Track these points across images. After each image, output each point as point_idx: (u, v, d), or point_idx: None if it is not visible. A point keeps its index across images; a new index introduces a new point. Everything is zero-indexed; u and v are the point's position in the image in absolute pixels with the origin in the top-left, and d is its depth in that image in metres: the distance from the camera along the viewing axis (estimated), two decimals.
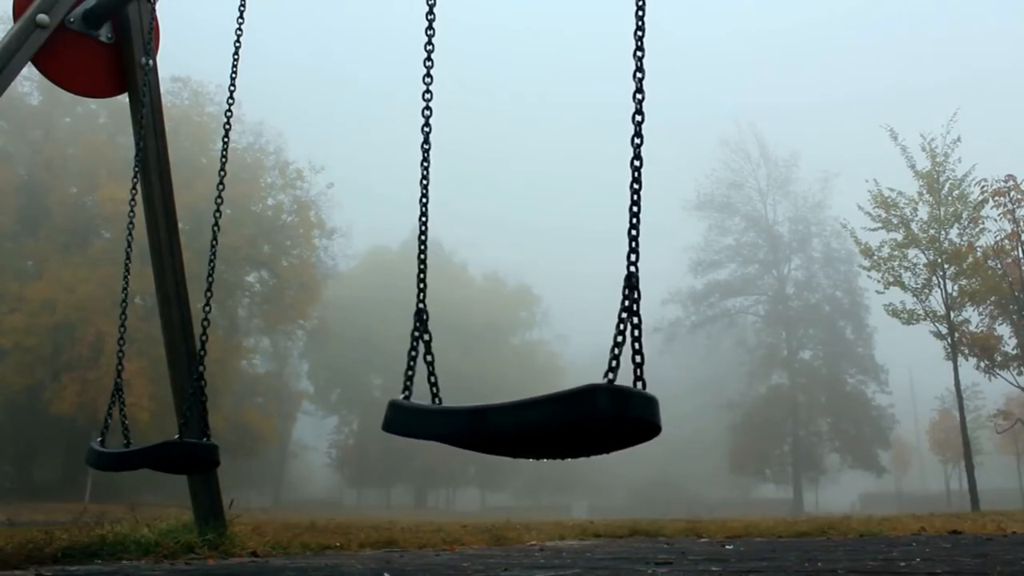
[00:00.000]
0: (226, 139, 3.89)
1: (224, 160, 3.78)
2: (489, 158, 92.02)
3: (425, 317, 2.28)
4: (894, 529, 7.24)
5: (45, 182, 33.44)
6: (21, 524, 9.23)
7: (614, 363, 1.74)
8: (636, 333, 1.78)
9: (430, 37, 2.55)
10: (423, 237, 2.45)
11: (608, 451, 1.96)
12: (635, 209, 1.91)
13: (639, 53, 2.03)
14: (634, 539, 6.50)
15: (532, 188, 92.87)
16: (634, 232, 1.88)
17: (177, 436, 3.65)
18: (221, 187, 3.70)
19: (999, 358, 21.93)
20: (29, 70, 4.28)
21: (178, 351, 4.44)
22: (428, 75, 2.51)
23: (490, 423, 1.84)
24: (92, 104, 32.61)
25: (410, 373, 2.18)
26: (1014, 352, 21.95)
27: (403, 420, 2.05)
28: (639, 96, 1.99)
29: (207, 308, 3.59)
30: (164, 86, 4.93)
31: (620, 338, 1.76)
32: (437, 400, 2.16)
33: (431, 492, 61.73)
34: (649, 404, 1.72)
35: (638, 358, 1.77)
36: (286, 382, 50.62)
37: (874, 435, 46.41)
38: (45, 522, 8.81)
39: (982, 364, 22.04)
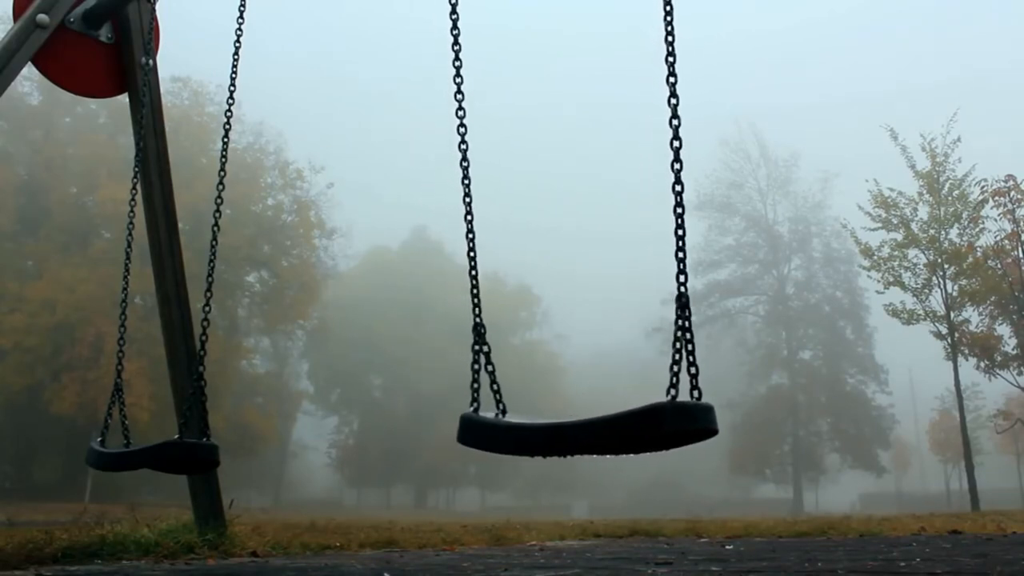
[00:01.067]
0: (226, 139, 3.88)
1: (224, 160, 3.78)
2: (489, 159, 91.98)
3: (483, 331, 2.34)
4: (894, 529, 7.24)
5: (45, 182, 33.44)
6: (21, 524, 9.24)
7: (674, 380, 1.87)
8: (690, 347, 1.91)
9: (456, 36, 2.53)
10: (472, 254, 2.45)
11: (668, 449, 2.09)
12: (680, 232, 2.02)
13: (670, 59, 2.06)
14: (634, 539, 6.50)
15: (532, 188, 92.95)
16: (681, 255, 1.99)
17: (177, 436, 3.65)
18: (221, 187, 3.70)
19: (999, 358, 21.94)
20: (29, 70, 4.28)
21: (178, 351, 4.44)
22: (459, 92, 2.50)
23: (569, 441, 1.97)
24: (92, 104, 32.61)
25: (476, 386, 2.26)
26: (1014, 352, 21.96)
27: (481, 435, 2.16)
28: (673, 101, 2.06)
29: (207, 308, 3.59)
30: (164, 86, 4.93)
31: (678, 355, 1.89)
32: (501, 407, 2.21)
33: (431, 492, 61.72)
34: (708, 413, 1.87)
35: (692, 370, 1.89)
36: (286, 382, 50.61)
37: (874, 435, 46.41)
38: (45, 522, 8.81)
39: (982, 364, 22.04)
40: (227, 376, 34.31)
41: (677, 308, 1.94)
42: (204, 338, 3.56)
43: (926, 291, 22.00)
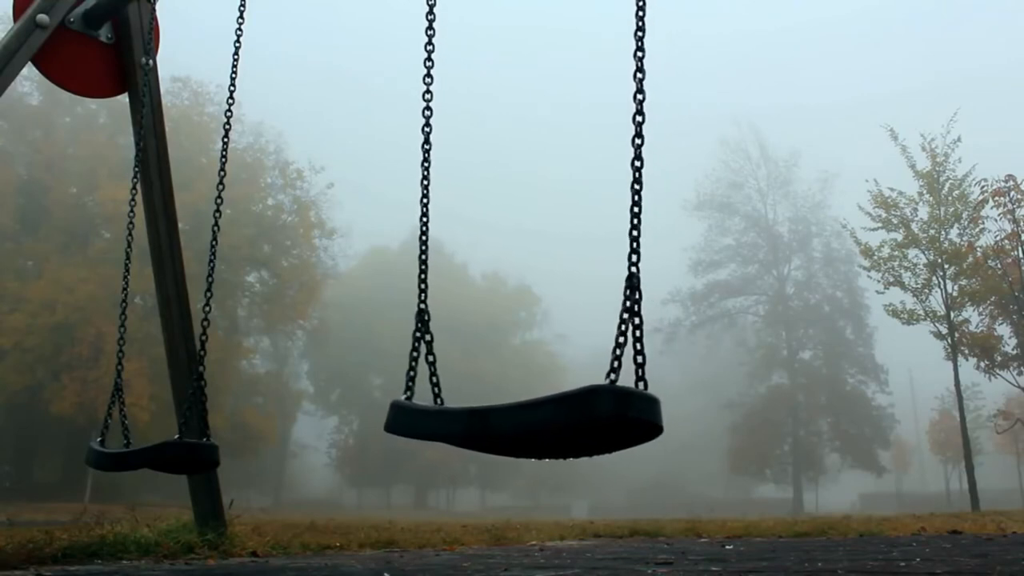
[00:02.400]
0: (226, 139, 3.89)
1: (224, 160, 3.78)
2: (489, 159, 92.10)
3: (427, 318, 2.27)
4: (894, 529, 7.24)
5: (45, 182, 33.43)
6: (21, 524, 9.24)
7: (616, 364, 1.74)
8: (637, 334, 1.78)
9: (430, 37, 2.54)
10: (424, 238, 2.44)
11: (610, 451, 1.97)
12: (636, 210, 1.92)
13: (639, 54, 2.03)
14: (634, 539, 6.50)
15: (532, 189, 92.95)
16: (635, 233, 1.89)
17: (177, 436, 3.65)
18: (221, 187, 3.70)
19: (999, 358, 21.94)
20: (29, 70, 4.28)
21: (178, 351, 4.44)
22: (428, 75, 2.51)
23: (492, 424, 1.83)
24: (92, 104, 32.59)
25: (412, 374, 2.18)
26: (1014, 352, 21.96)
27: (405, 421, 2.05)
28: (640, 96, 2.00)
29: (207, 308, 3.59)
30: (164, 86, 4.94)
31: (622, 339, 1.76)
32: (439, 401, 2.16)
33: (431, 492, 61.73)
34: (651, 405, 1.72)
35: (639, 359, 1.78)
36: (286, 382, 50.62)
37: (874, 435, 46.41)
38: (45, 522, 8.81)
39: (982, 364, 22.04)
40: (227, 376, 34.30)
41: (626, 288, 1.81)
42: (204, 338, 3.56)
43: (926, 291, 22.00)
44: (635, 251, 1.86)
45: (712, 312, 50.34)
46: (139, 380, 27.15)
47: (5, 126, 33.49)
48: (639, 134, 1.96)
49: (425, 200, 2.48)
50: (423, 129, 2.48)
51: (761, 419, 46.27)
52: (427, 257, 2.43)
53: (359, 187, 63.85)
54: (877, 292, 23.25)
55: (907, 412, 56.36)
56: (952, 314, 21.65)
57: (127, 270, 4.08)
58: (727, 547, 5.04)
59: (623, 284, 1.83)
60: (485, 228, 76.98)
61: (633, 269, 1.84)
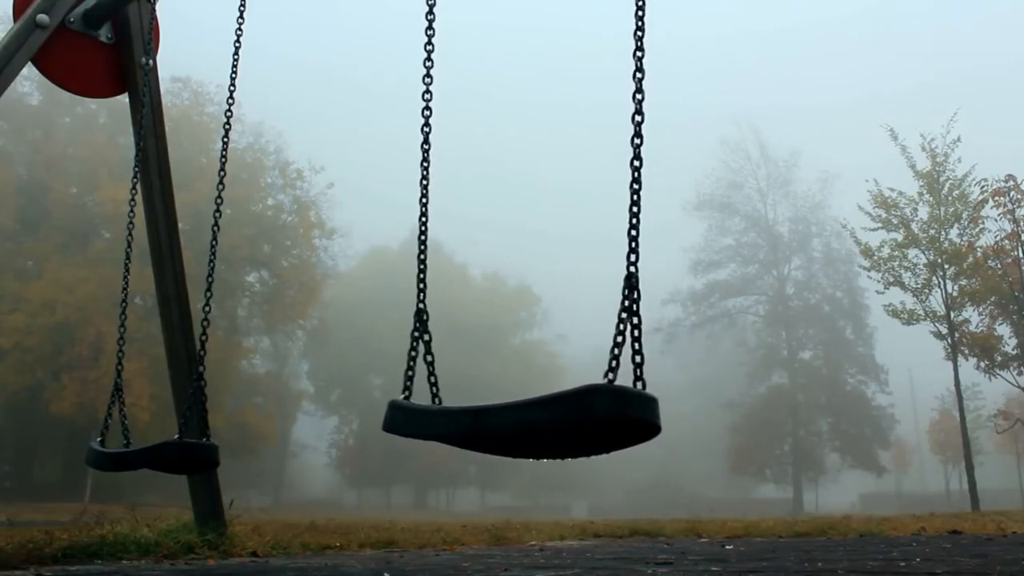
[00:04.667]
0: (226, 139, 3.88)
1: (224, 160, 3.78)
2: (489, 159, 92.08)
3: (425, 317, 2.27)
4: (894, 529, 7.24)
5: (45, 182, 33.43)
6: (21, 524, 9.24)
7: (614, 363, 1.74)
8: (636, 333, 1.78)
9: (430, 37, 2.54)
10: (423, 237, 2.44)
11: (608, 451, 1.96)
12: (635, 209, 1.91)
13: (639, 53, 2.03)
14: (634, 539, 6.50)
15: (532, 189, 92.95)
16: (634, 232, 1.88)
17: (177, 436, 3.65)
18: (221, 187, 3.70)
19: (999, 358, 21.93)
20: (29, 70, 4.28)
21: (178, 351, 4.44)
22: (428, 75, 2.51)
23: (489, 423, 1.83)
24: (92, 104, 32.59)
25: (410, 374, 2.18)
26: (1014, 352, 21.95)
27: (403, 420, 2.04)
28: (639, 96, 2.00)
29: (207, 308, 3.59)
30: (164, 86, 4.94)
31: (620, 338, 1.76)
32: (437, 400, 2.16)
33: (431, 492, 61.73)
34: (649, 404, 1.72)
35: (638, 358, 1.77)
36: (286, 382, 50.62)
37: (874, 435, 46.40)
38: (45, 522, 8.81)
39: (982, 364, 22.04)
40: (227, 376, 34.30)
41: (624, 288, 1.81)
42: (204, 338, 3.56)
43: (926, 291, 22.00)
44: (634, 251, 1.86)
45: (712, 312, 50.36)
46: (139, 380, 27.14)
47: (5, 126, 33.49)
48: (638, 134, 1.96)
49: (424, 200, 2.48)
50: (423, 129, 2.48)
51: (761, 419, 46.26)
52: (426, 257, 2.43)
53: (359, 187, 63.92)
54: (877, 292, 23.27)
55: (907, 412, 56.39)
56: (952, 314, 21.65)
57: (127, 270, 4.08)
58: (727, 547, 5.04)
59: (621, 283, 1.83)
60: (485, 228, 76.89)
61: (632, 268, 1.84)
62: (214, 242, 3.68)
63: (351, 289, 53.49)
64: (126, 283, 4.02)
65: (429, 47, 2.53)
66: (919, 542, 5.18)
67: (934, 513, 15.02)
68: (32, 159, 34.15)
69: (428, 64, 2.51)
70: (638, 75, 2.01)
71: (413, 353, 2.21)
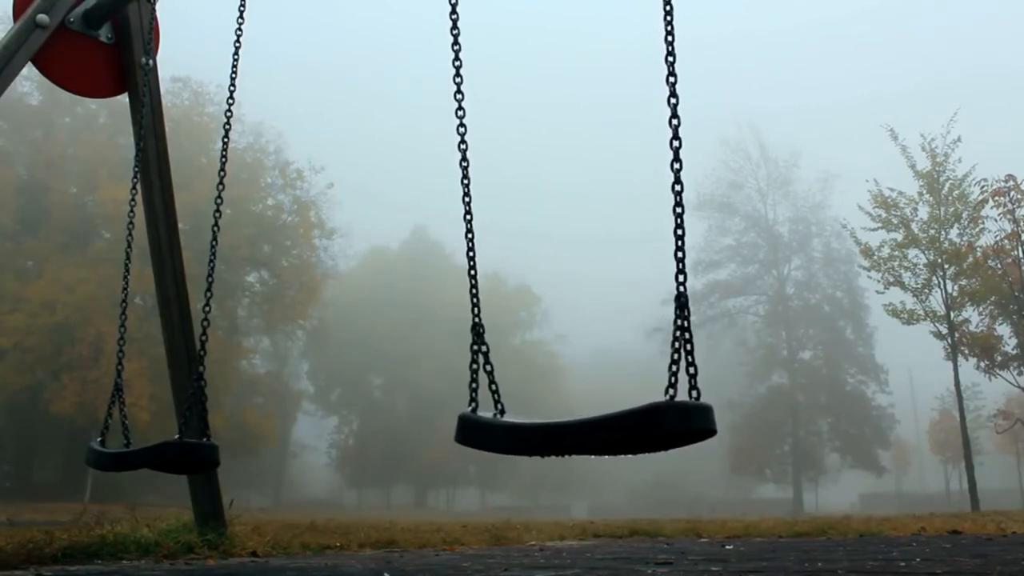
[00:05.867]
0: (226, 139, 3.88)
1: (224, 160, 3.77)
2: (489, 159, 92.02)
3: (481, 331, 2.34)
4: (894, 529, 7.24)
5: (45, 182, 33.42)
6: (21, 524, 9.23)
7: (674, 379, 1.87)
8: (688, 347, 1.90)
9: (456, 36, 2.54)
10: (471, 254, 2.45)
11: (668, 450, 2.09)
12: (679, 232, 2.00)
13: (670, 59, 2.06)
14: (634, 539, 6.50)
15: (532, 189, 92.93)
16: (680, 255, 1.98)
17: (177, 436, 3.65)
18: (221, 187, 3.69)
19: (999, 358, 21.93)
20: (29, 70, 4.28)
21: (178, 351, 4.44)
22: (459, 91, 2.51)
23: (567, 441, 1.95)
24: (92, 104, 32.59)
25: (474, 386, 2.25)
26: (1014, 352, 21.95)
27: (478, 435, 2.15)
28: (673, 101, 2.06)
29: (207, 308, 3.59)
30: (164, 86, 4.94)
31: (676, 355, 1.89)
32: (499, 407, 2.21)
33: (431, 492, 61.71)
34: (707, 414, 1.86)
35: (691, 370, 1.89)
36: (286, 382, 50.59)
37: (874, 435, 46.40)
38: (45, 522, 8.81)
39: (982, 364, 22.04)
40: (227, 376, 34.30)
41: (676, 308, 1.94)
42: (204, 338, 3.55)
43: (926, 291, 22.00)
44: (681, 271, 1.97)
45: (712, 312, 50.32)
46: (139, 380, 27.15)
47: (5, 126, 33.49)
48: (677, 158, 2.03)
49: (468, 217, 2.48)
50: (459, 146, 2.49)
51: (761, 419, 46.26)
52: (476, 272, 2.46)
53: (359, 187, 63.90)
54: (877, 292, 23.28)
55: (907, 412, 56.38)
56: (952, 314, 21.64)
57: (127, 270, 4.07)
58: (727, 547, 5.04)
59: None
60: (485, 228, 76.60)
61: (681, 289, 1.95)
62: (214, 242, 3.67)
63: (351, 289, 53.46)
64: (126, 283, 4.02)
65: (456, 47, 2.51)
66: (919, 542, 5.18)
67: (934, 513, 15.02)
68: (32, 159, 34.14)
69: (458, 80, 2.52)
70: (671, 79, 2.06)
71: (474, 366, 2.27)
